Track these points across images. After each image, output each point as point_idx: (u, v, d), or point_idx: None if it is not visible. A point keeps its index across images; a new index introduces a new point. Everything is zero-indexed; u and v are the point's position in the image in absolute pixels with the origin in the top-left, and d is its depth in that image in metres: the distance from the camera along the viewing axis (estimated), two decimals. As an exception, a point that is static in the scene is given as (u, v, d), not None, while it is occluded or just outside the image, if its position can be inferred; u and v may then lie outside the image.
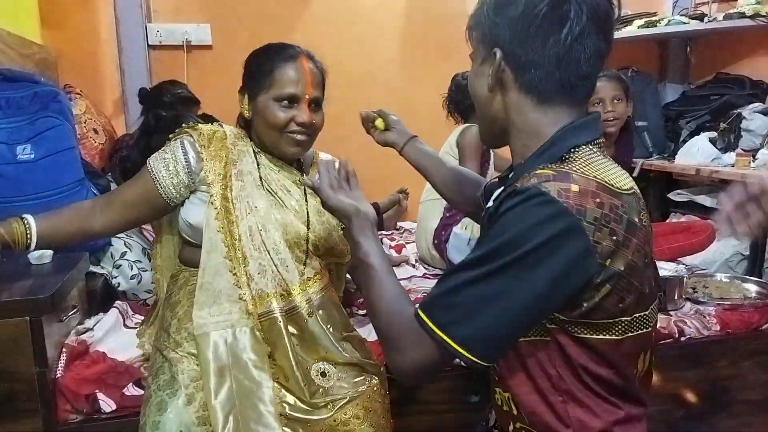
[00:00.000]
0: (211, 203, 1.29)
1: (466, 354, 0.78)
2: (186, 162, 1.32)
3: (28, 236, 1.28)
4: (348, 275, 1.67)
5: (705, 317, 1.72)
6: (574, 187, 0.78)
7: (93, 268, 1.70)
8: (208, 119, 2.21)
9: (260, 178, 1.34)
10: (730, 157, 2.76)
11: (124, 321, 1.62)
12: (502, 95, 0.90)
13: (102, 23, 2.79)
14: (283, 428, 1.18)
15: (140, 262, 1.77)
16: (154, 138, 1.98)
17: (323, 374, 1.28)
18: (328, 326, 1.33)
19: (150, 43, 2.84)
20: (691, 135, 3.02)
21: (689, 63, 3.35)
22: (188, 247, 1.41)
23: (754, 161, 2.65)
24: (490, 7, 0.88)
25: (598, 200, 0.78)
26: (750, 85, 2.94)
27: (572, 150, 0.85)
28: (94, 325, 1.53)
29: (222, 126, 1.39)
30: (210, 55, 2.93)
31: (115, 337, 1.52)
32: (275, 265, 1.29)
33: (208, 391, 1.19)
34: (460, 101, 2.42)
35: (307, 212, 1.36)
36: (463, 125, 2.36)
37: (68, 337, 1.43)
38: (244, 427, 1.16)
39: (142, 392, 1.33)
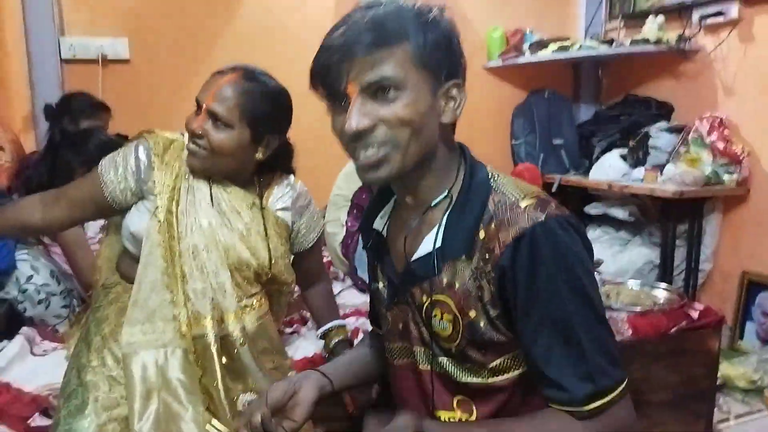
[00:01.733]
0: (155, 215, 1.23)
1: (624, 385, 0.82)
2: (136, 168, 1.27)
3: None
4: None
5: (618, 323, 1.80)
6: (553, 204, 0.83)
7: (-4, 293, 1.59)
8: (123, 140, 2.12)
9: (210, 195, 1.28)
10: (640, 172, 2.93)
11: (31, 349, 1.52)
12: (441, 127, 0.85)
13: (9, 36, 2.65)
14: None
15: (48, 285, 1.68)
16: (61, 154, 1.88)
17: (249, 404, 1.24)
18: (260, 356, 1.29)
19: (63, 57, 2.72)
20: (603, 152, 3.19)
21: (601, 85, 3.55)
22: (127, 259, 1.33)
23: (661, 176, 2.83)
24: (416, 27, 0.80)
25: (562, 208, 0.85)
26: (656, 106, 3.15)
27: (490, 175, 0.89)
28: (-3, 354, 1.43)
29: (183, 135, 1.31)
30: (127, 69, 2.83)
31: (21, 366, 1.43)
32: (213, 289, 1.24)
33: (132, 415, 1.13)
34: None
35: (254, 237, 1.31)
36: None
37: (-34, 368, 1.32)
38: None
39: (49, 422, 1.24)
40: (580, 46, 3.07)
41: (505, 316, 0.84)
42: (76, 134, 1.92)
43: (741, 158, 2.71)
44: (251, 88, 1.24)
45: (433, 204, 0.89)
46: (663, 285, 2.11)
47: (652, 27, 2.96)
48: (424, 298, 0.89)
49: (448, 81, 0.84)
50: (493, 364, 0.87)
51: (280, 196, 1.39)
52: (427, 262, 0.87)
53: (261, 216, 1.33)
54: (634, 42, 2.98)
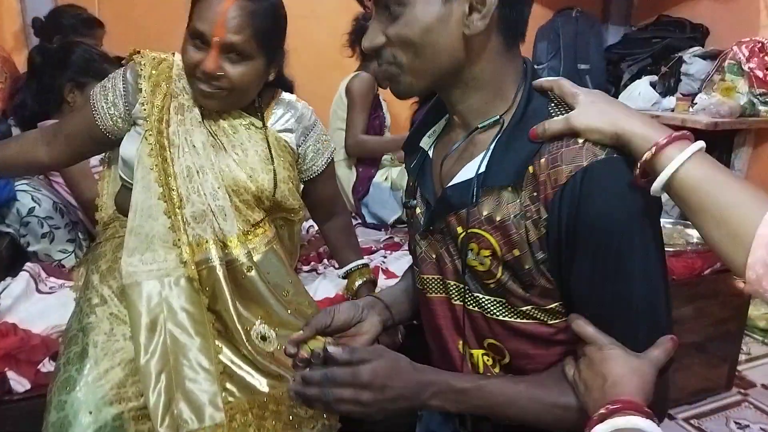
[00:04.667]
0: (146, 138, 1.14)
1: None
2: (124, 91, 1.18)
3: None
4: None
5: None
6: None
7: (-4, 227, 1.50)
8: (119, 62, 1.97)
9: (201, 114, 1.18)
10: (670, 101, 2.77)
11: (36, 286, 1.43)
12: (475, 40, 0.74)
13: (-4, -58, 2.42)
14: (225, 387, 1.08)
15: (51, 218, 1.57)
16: (46, 77, 1.73)
17: (263, 338, 1.17)
18: (270, 284, 1.21)
19: (55, -33, 2.50)
20: (632, 78, 3.01)
21: (632, 4, 3.31)
22: (124, 190, 1.25)
23: (693, 105, 2.68)
24: None
25: None
26: (690, 28, 2.94)
27: (551, 104, 0.76)
28: (1, 293, 1.35)
29: (174, 55, 1.21)
30: (125, -19, 2.61)
31: (27, 305, 1.35)
32: (213, 212, 1.15)
33: (138, 348, 1.06)
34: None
35: (252, 159, 1.20)
36: (352, 74, 2.25)
37: (-32, 310, 1.24)
38: (178, 386, 1.05)
39: (60, 367, 1.18)
40: (615, -40, 2.83)
41: (553, 262, 0.74)
42: (56, 51, 1.77)
43: (781, 87, 2.55)
44: (258, 6, 1.11)
45: (479, 126, 0.78)
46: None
47: (693, -60, 2.72)
48: (460, 229, 0.80)
49: None
50: (534, 304, 0.78)
51: (280, 116, 1.27)
52: (465, 189, 0.78)
53: (261, 136, 1.22)
54: (673, -44, 2.74)
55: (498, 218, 0.75)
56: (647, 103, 2.79)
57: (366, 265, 1.45)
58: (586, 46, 3.16)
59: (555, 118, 0.73)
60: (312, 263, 1.72)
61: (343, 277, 1.44)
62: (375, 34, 0.76)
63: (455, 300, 0.86)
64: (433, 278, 0.89)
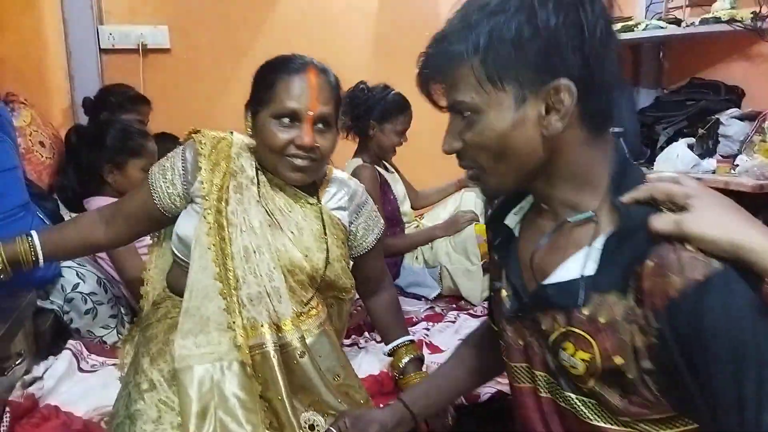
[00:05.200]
0: (204, 217, 1.14)
1: None
2: (183, 170, 1.19)
3: (33, 254, 1.21)
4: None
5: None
6: None
7: (41, 303, 1.50)
8: (167, 138, 2.01)
9: (258, 193, 1.19)
10: (710, 163, 2.72)
11: (78, 364, 1.42)
12: (556, 138, 0.71)
13: (48, 26, 2.56)
14: None
15: (95, 294, 1.58)
16: (83, 157, 1.77)
17: (311, 427, 1.12)
18: (322, 369, 1.17)
19: (102, 46, 2.64)
20: (669, 141, 2.97)
21: (662, 68, 3.32)
22: (177, 269, 1.25)
23: (734, 168, 2.62)
24: (509, 35, 0.67)
25: None
26: (725, 91, 2.91)
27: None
28: (44, 373, 1.33)
29: (232, 134, 1.25)
30: (168, 59, 2.73)
31: (69, 386, 1.33)
32: (268, 294, 1.14)
33: None
34: (361, 117, 2.12)
35: (307, 238, 1.21)
36: (354, 164, 2.12)
37: (12, 392, 1.22)
38: None
39: (102, 452, 1.15)
40: (646, 27, 2.85)
41: (660, 376, 0.68)
42: (92, 130, 1.82)
43: (825, 148, 2.49)
44: (333, 78, 1.20)
45: (570, 220, 0.75)
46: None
47: (723, 4, 2.73)
48: (555, 327, 0.75)
49: (542, 85, 0.69)
50: (636, 414, 0.71)
51: (334, 194, 1.28)
52: (568, 289, 0.73)
53: (316, 214, 1.23)
54: (704, 21, 2.75)
55: (602, 320, 0.70)
56: (687, 166, 2.74)
57: (413, 342, 1.41)
58: (618, 110, 3.15)
59: (664, 215, 0.67)
60: (353, 336, 1.67)
61: (389, 354, 1.39)
62: (453, 139, 0.76)
63: (542, 393, 0.81)
64: (521, 367, 0.84)
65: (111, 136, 1.77)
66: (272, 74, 1.16)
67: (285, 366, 1.13)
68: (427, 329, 1.78)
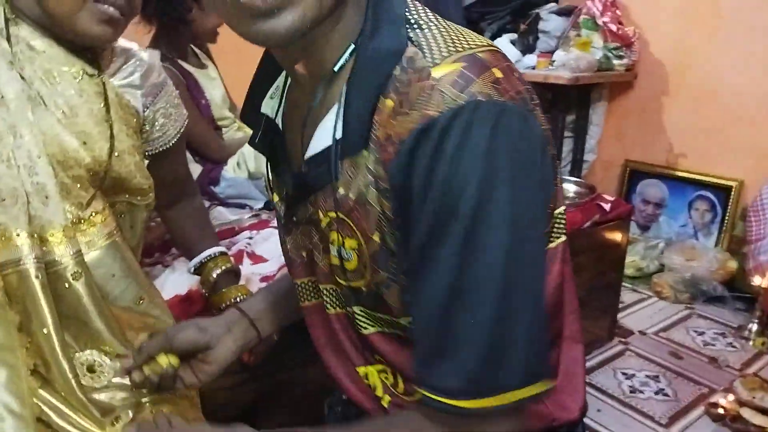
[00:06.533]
0: None
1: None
2: None
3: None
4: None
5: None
6: (497, 72, 0.51)
7: None
8: None
9: (11, 52, 0.84)
10: (531, 59, 2.75)
11: None
12: None
13: None
14: None
15: None
16: None
17: (90, 369, 0.88)
18: (107, 296, 0.91)
19: None
20: (493, 37, 2.96)
21: (486, -39, 3.26)
22: None
23: (552, 63, 2.68)
24: None
25: (518, 76, 0.54)
26: (544, -15, 2.94)
27: (414, 18, 0.55)
28: None
29: None
30: None
31: None
32: (27, 193, 0.83)
33: None
34: None
35: (84, 119, 0.88)
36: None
37: None
38: None
39: None
40: None
41: (405, 244, 0.55)
42: None
43: (633, 41, 2.62)
44: None
45: (336, 68, 0.56)
46: (572, 178, 1.99)
47: None
48: (321, 215, 0.60)
49: None
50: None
51: (120, 66, 0.96)
52: (322, 161, 0.57)
53: (97, 89, 0.90)
54: None
55: (352, 194, 0.55)
56: (510, 62, 2.76)
57: (224, 253, 1.19)
58: (445, 5, 3.07)
59: None
60: (156, 255, 1.42)
61: (196, 271, 1.17)
62: None
63: (330, 308, 0.67)
64: (305, 282, 0.70)
65: None
66: None
67: (52, 290, 0.85)
68: (250, 238, 1.57)
